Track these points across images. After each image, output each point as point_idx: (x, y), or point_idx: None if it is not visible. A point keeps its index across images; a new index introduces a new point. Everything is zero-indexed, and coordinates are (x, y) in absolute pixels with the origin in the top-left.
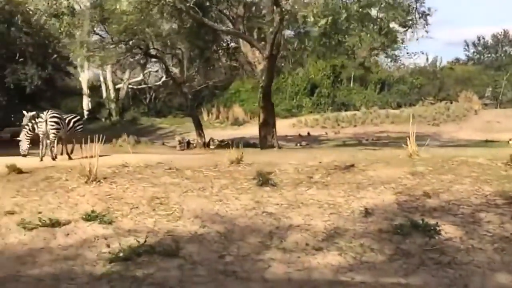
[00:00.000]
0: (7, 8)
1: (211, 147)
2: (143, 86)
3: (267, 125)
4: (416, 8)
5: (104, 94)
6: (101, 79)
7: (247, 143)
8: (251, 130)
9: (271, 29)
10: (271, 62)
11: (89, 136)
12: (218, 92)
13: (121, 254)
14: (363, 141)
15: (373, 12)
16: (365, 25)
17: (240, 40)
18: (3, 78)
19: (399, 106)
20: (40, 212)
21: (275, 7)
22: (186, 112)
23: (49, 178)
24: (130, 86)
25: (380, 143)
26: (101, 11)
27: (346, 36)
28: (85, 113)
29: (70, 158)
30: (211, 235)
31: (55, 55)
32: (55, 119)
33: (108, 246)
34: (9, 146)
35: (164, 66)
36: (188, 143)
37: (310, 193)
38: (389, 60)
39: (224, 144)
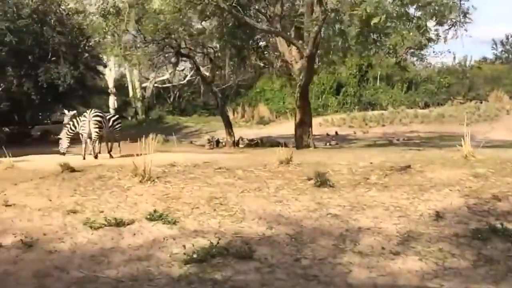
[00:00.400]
0: (41, 8)
1: (240, 146)
2: (168, 85)
3: (304, 125)
4: (460, 6)
5: (131, 93)
6: (128, 78)
7: (277, 143)
8: (277, 129)
9: (315, 28)
10: (311, 61)
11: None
12: (242, 91)
13: (195, 256)
14: (394, 141)
15: (411, 10)
16: (404, 24)
17: (277, 39)
18: (36, 77)
19: (426, 105)
20: (102, 211)
21: (318, 6)
22: (216, 111)
23: (102, 177)
24: (155, 85)
25: (411, 143)
26: (140, 10)
27: (381, 34)
28: (111, 111)
29: (111, 156)
30: (280, 237)
31: (86, 54)
32: (98, 118)
33: (184, 247)
34: (40, 144)
35: (194, 65)
36: (218, 142)
37: (371, 194)
38: (415, 59)
39: (253, 143)
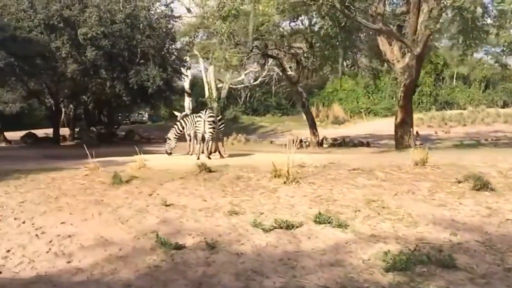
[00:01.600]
0: (134, 13)
1: (324, 146)
2: (241, 85)
3: (405, 125)
4: None
5: (206, 94)
6: (204, 79)
7: (360, 142)
8: (353, 129)
9: (430, 27)
10: (420, 60)
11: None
12: (315, 91)
13: (390, 263)
14: (482, 141)
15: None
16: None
17: (378, 38)
18: (127, 79)
19: (505, 104)
20: (262, 213)
21: (435, 3)
22: (289, 111)
23: (240, 177)
24: (230, 85)
25: (501, 143)
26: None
27: (480, 32)
28: (188, 112)
29: (221, 156)
30: (471, 245)
31: (173, 57)
32: (212, 119)
33: (386, 254)
34: (127, 143)
35: (280, 65)
36: (301, 142)
37: None
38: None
39: (337, 143)
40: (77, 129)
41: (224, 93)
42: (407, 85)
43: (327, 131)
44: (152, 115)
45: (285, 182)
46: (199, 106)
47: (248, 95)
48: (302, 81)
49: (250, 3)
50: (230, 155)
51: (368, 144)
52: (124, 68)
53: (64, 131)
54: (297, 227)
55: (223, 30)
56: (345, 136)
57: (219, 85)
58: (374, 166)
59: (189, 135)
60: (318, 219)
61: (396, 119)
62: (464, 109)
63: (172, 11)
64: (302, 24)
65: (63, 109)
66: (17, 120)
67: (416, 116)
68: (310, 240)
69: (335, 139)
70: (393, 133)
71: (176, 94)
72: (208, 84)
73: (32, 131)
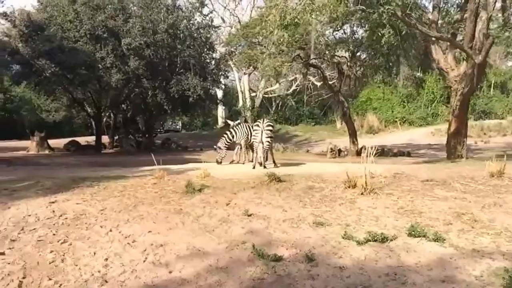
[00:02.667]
0: (175, 23)
1: (363, 155)
2: (274, 94)
3: (459, 135)
4: None
5: (240, 102)
6: (238, 88)
7: (400, 152)
8: (388, 138)
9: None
10: (481, 69)
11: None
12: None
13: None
14: None
15: None
16: None
17: (432, 46)
18: (167, 88)
19: None
20: (348, 225)
21: (501, 12)
22: (343, 119)
23: (312, 187)
24: (264, 95)
25: None
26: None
27: None
28: (220, 120)
29: (276, 165)
30: None
31: (212, 66)
32: (271, 128)
33: (507, 270)
34: (166, 151)
35: (322, 74)
36: (339, 151)
37: None
38: None
39: (377, 153)
40: (115, 137)
41: (257, 102)
42: (464, 94)
43: (362, 140)
44: (185, 124)
45: (362, 193)
46: (233, 115)
47: (280, 104)
48: (343, 90)
49: (310, 11)
50: (282, 165)
51: (409, 154)
52: (165, 78)
53: (103, 139)
54: (391, 240)
55: (281, 40)
56: (382, 146)
57: (252, 94)
58: (445, 177)
59: (239, 144)
60: (412, 232)
61: (449, 128)
62: (502, 118)
63: (212, 21)
64: (344, 33)
65: (105, 118)
66: (54, 128)
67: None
68: (409, 254)
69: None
70: (430, 143)
71: (215, 103)
72: (242, 93)
73: (70, 139)
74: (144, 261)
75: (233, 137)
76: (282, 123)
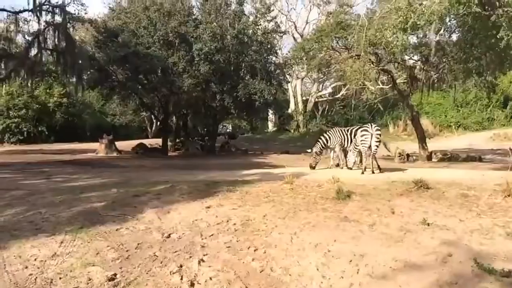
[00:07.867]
0: (244, 29)
1: (433, 160)
2: (323, 99)
3: None
4: None
5: (292, 107)
6: (291, 92)
7: (470, 157)
8: (445, 143)
9: None
10: None
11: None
12: (399, 104)
13: None
14: None
15: None
16: None
17: None
18: (234, 92)
19: None
20: None
21: None
22: (412, 124)
23: (466, 196)
24: (316, 99)
25: None
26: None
27: None
28: (270, 124)
29: (380, 170)
30: None
31: (278, 71)
32: (379, 132)
33: None
34: (226, 155)
35: (392, 79)
36: (408, 155)
37: None
38: None
39: (447, 157)
40: (177, 140)
41: (310, 106)
42: None
43: (416, 145)
44: (235, 127)
45: None
46: (286, 119)
47: (326, 108)
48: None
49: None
50: (388, 170)
51: (480, 159)
52: (232, 82)
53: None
54: None
55: (396, 42)
56: (443, 151)
57: (304, 98)
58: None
59: (333, 148)
60: None
61: None
62: None
63: (279, 26)
64: (417, 37)
65: (174, 122)
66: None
67: (510, 130)
68: None
69: (445, 154)
70: (493, 148)
71: (280, 108)
72: (294, 98)
73: (138, 141)
74: (357, 272)
75: (327, 141)
76: (331, 127)
